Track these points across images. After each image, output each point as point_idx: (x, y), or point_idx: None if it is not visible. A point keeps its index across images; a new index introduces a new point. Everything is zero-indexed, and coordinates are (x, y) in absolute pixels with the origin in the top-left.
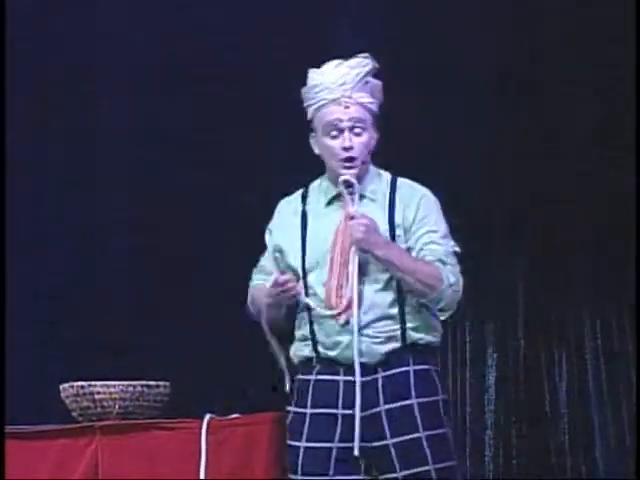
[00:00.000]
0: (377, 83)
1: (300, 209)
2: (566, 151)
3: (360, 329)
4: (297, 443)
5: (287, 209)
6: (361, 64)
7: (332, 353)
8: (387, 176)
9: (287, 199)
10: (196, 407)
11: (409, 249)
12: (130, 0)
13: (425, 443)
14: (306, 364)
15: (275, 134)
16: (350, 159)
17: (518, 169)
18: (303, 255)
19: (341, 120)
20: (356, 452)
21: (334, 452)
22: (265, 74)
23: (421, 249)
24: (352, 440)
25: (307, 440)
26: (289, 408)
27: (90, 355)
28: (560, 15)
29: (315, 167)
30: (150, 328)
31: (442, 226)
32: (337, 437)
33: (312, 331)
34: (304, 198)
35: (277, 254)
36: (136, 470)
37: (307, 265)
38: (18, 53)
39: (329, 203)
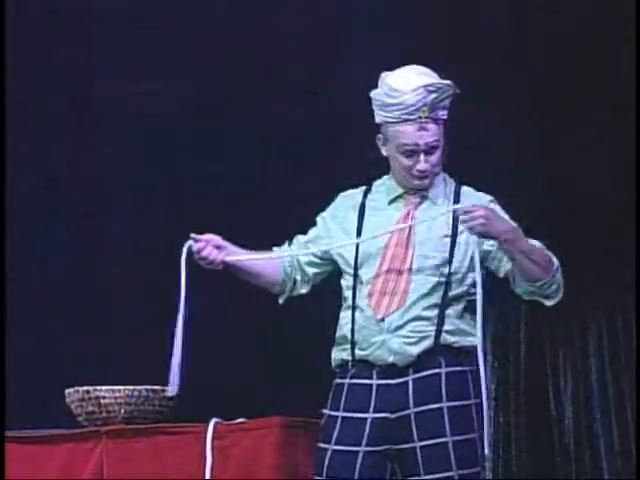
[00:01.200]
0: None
1: (359, 203)
2: (566, 150)
3: (395, 329)
4: (326, 445)
5: (346, 203)
6: (441, 89)
7: (365, 352)
8: (451, 181)
9: (347, 193)
10: (202, 411)
11: (487, 252)
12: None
13: (452, 448)
14: (343, 367)
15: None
16: (422, 177)
17: (518, 169)
18: (357, 248)
19: (417, 145)
20: None
21: (360, 456)
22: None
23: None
24: (380, 444)
25: (336, 443)
26: (324, 411)
27: (95, 359)
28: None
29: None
30: (154, 331)
31: None
32: (364, 441)
33: (352, 331)
34: (366, 194)
35: (327, 240)
36: (141, 475)
37: (360, 258)
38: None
39: (391, 202)
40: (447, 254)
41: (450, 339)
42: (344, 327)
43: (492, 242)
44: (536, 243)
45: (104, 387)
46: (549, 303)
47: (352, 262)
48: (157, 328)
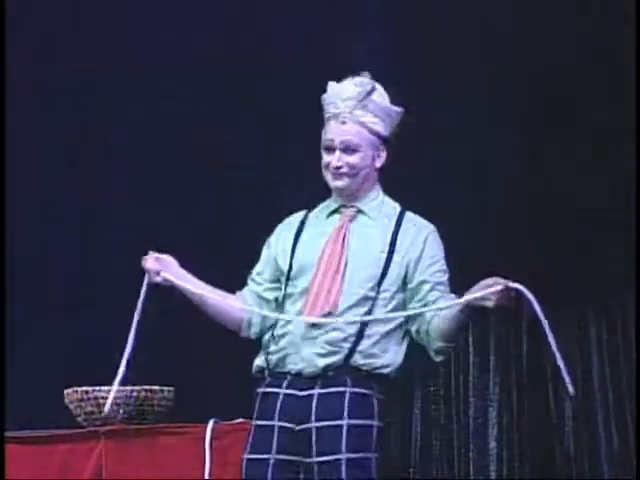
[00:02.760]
0: (389, 107)
1: (298, 222)
2: (565, 150)
3: (313, 337)
4: (244, 455)
5: (287, 226)
6: (363, 83)
7: (278, 356)
8: (395, 205)
9: (288, 219)
10: (201, 411)
11: (422, 282)
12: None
13: (344, 465)
14: (259, 374)
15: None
16: (338, 175)
17: (519, 169)
18: (291, 260)
19: (333, 140)
20: None
21: (271, 464)
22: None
23: (435, 285)
24: (289, 454)
25: (250, 452)
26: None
27: (95, 359)
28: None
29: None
30: (154, 331)
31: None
32: (274, 449)
33: (273, 336)
34: (306, 215)
35: (273, 264)
36: (140, 475)
37: (293, 270)
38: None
39: (329, 216)
40: (380, 270)
41: (360, 361)
42: (266, 332)
43: (430, 278)
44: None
45: (103, 387)
46: (438, 359)
47: (286, 273)
48: (157, 328)
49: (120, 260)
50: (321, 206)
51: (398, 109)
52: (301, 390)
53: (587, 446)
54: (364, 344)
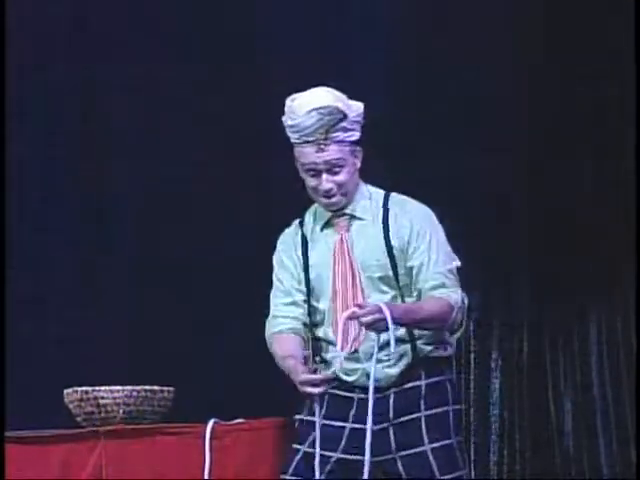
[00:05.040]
0: (357, 113)
1: (300, 234)
2: (566, 152)
3: (371, 356)
4: (299, 446)
5: (289, 238)
6: (335, 112)
7: (349, 379)
8: (379, 195)
9: (287, 230)
10: (201, 412)
11: (411, 268)
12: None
13: (431, 455)
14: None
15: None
16: (329, 196)
17: (519, 169)
18: (307, 282)
19: (316, 164)
20: None
21: (332, 461)
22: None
23: (420, 269)
24: (353, 453)
25: (310, 446)
26: (297, 417)
27: (95, 359)
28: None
29: None
30: (154, 333)
31: (438, 242)
32: (340, 449)
33: (325, 360)
34: (301, 225)
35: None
36: (140, 475)
37: (315, 292)
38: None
39: (323, 228)
40: (390, 271)
41: (426, 349)
42: (322, 353)
43: (414, 262)
44: (431, 283)
45: (103, 387)
46: (454, 337)
47: (308, 298)
48: (157, 328)
49: (121, 260)
50: (311, 214)
51: (361, 108)
52: (377, 393)
53: (587, 446)
54: (419, 335)
